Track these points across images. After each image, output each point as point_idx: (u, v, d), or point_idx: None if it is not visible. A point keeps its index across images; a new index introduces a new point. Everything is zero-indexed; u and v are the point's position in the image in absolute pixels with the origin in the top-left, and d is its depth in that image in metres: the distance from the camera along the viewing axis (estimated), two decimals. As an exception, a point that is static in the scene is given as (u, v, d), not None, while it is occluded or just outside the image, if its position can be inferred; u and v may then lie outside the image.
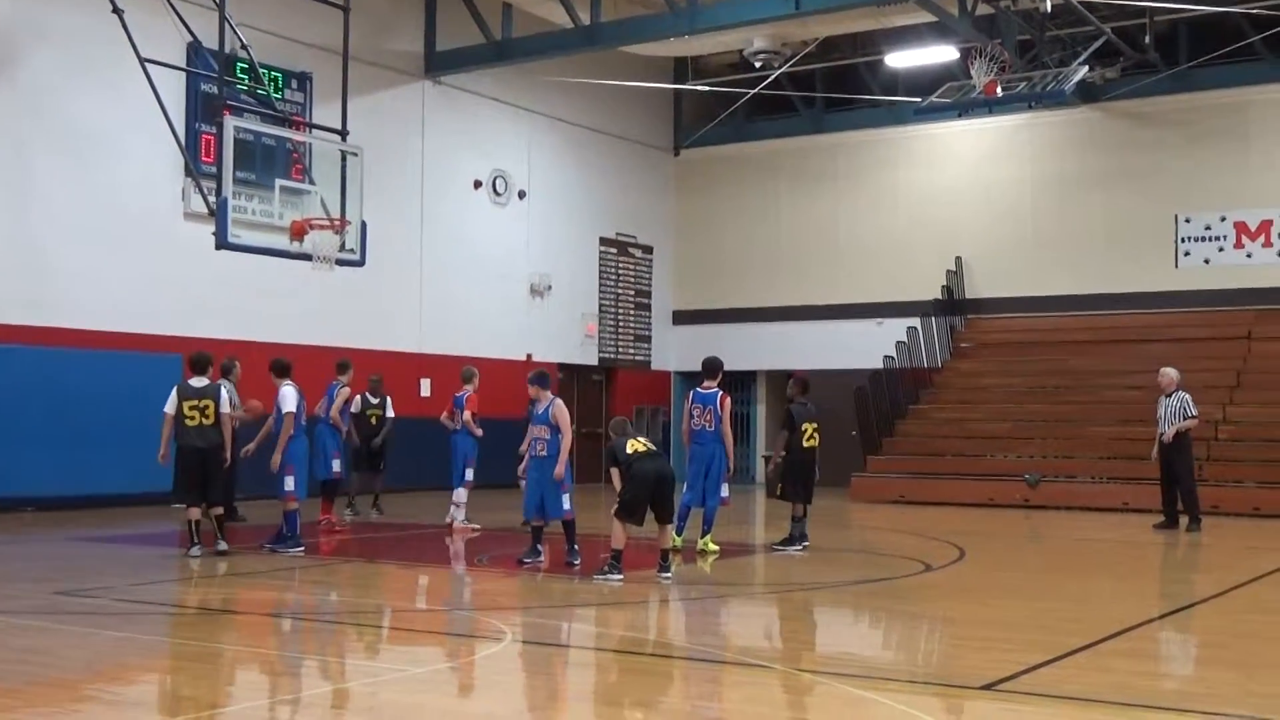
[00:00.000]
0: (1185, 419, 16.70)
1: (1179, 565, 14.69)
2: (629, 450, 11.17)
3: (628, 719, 6.58)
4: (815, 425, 14.02)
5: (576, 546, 12.16)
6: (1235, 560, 14.55)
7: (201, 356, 13.09)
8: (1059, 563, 14.51)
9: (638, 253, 28.66)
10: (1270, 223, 24.06)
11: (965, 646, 8.85)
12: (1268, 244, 24.10)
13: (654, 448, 11.43)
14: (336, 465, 16.00)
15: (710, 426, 13.34)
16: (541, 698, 7.25)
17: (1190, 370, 22.49)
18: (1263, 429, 21.06)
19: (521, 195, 25.64)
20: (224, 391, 13.07)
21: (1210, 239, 24.57)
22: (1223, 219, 24.45)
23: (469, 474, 16.18)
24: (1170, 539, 16.24)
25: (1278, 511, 18.98)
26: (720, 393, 13.42)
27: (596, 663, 8.32)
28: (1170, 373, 17.08)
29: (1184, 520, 16.69)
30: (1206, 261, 24.57)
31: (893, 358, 25.23)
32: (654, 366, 28.99)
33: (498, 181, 25.17)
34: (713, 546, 13.45)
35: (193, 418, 12.64)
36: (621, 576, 11.02)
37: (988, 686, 7.05)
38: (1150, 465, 17.61)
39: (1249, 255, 24.24)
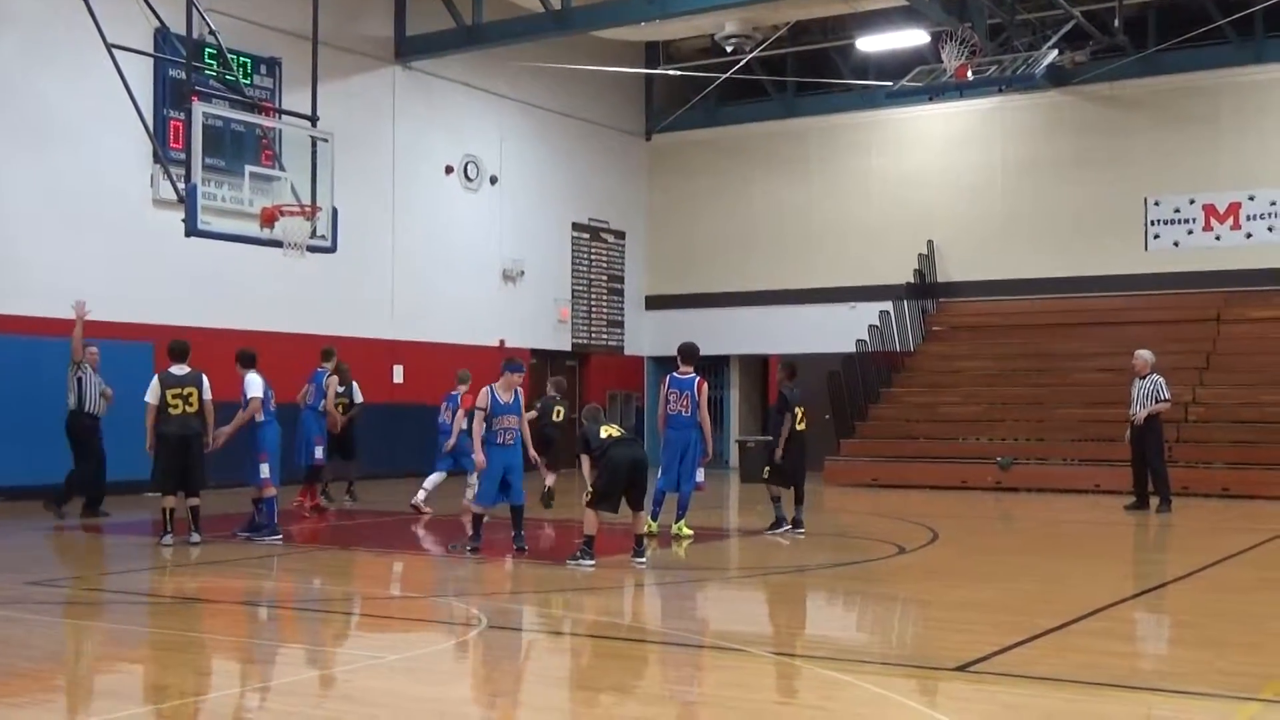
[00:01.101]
0: (1158, 401, 16.82)
1: (1149, 546, 14.80)
2: (602, 435, 11.17)
3: (602, 704, 6.60)
4: (803, 410, 14.18)
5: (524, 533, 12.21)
6: (1204, 541, 14.67)
7: (180, 345, 13.03)
8: (1031, 544, 14.61)
9: (610, 238, 28.64)
10: (1239, 205, 24.23)
11: (938, 628, 8.90)
12: (1236, 226, 24.26)
13: (628, 434, 11.44)
14: (319, 451, 16.14)
15: (686, 412, 13.36)
16: (516, 683, 7.26)
17: (1160, 352, 22.62)
18: (1231, 410, 21.23)
19: (493, 181, 25.57)
20: (205, 379, 12.98)
21: (1179, 222, 24.71)
22: (1191, 202, 24.59)
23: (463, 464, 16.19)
24: (1141, 520, 16.36)
25: (1246, 492, 19.14)
26: (697, 378, 13.45)
27: (571, 648, 8.34)
28: (1144, 355, 17.20)
29: (1155, 501, 16.81)
30: (1176, 244, 24.72)
31: (865, 341, 25.30)
32: (627, 352, 28.98)
33: (469, 167, 25.10)
34: (686, 531, 13.49)
35: (175, 405, 12.60)
36: (594, 562, 11.03)
37: (961, 668, 7.10)
38: (1121, 447, 17.72)
39: (1218, 238, 24.40)
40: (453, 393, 16.76)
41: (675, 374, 13.56)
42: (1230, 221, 24.31)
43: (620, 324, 28.90)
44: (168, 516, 12.70)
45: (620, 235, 28.88)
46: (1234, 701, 6.55)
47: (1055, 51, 22.71)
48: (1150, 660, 7.93)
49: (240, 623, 9.34)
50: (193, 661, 7.65)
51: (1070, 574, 11.55)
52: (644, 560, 11.31)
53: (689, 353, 13.62)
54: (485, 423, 11.88)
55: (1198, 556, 12.54)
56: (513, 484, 12.08)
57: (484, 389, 12.17)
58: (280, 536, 13.15)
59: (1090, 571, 11.85)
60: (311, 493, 16.49)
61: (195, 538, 12.79)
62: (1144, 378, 17.00)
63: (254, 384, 13.26)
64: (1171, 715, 6.38)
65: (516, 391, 12.17)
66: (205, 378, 13.07)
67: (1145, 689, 6.76)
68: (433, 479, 16.50)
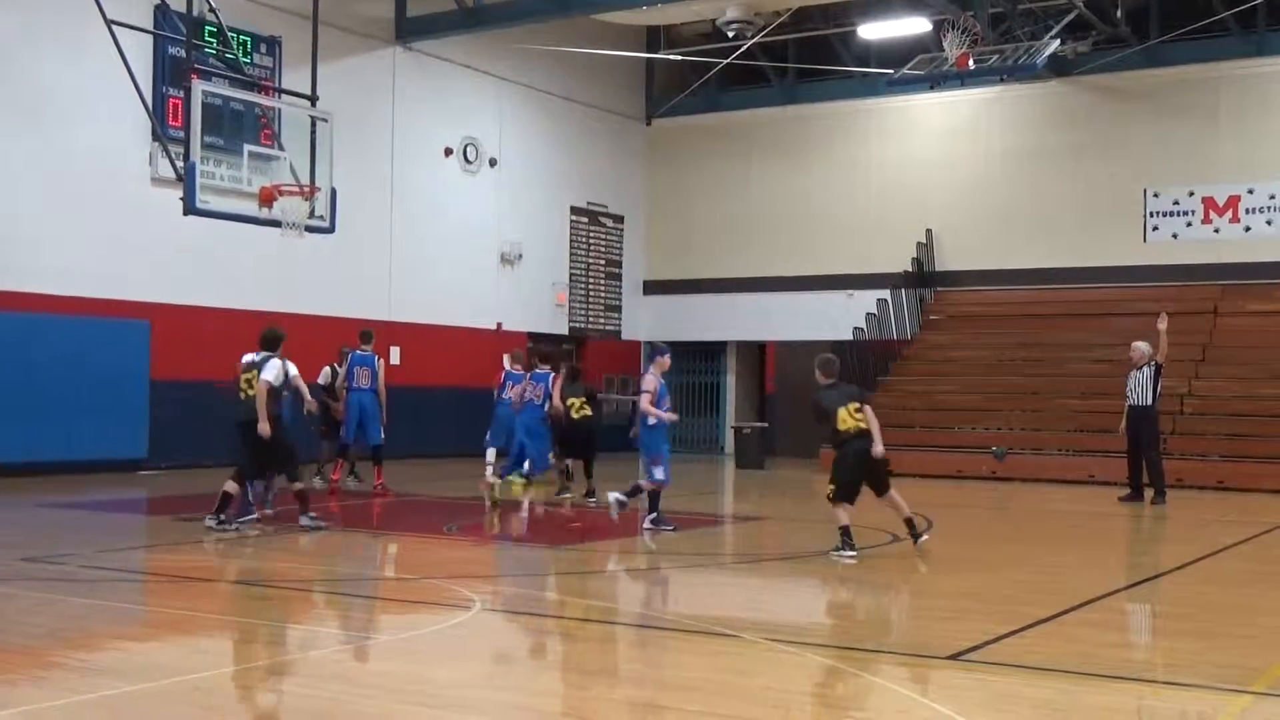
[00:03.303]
0: (1153, 392, 16.83)
1: (1143, 537, 14.83)
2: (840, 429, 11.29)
3: (594, 687, 6.61)
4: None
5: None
6: (1198, 533, 14.69)
7: (270, 333, 12.73)
8: (1025, 534, 14.63)
9: (609, 222, 28.61)
10: (1238, 198, 24.22)
11: (932, 616, 8.92)
12: (1235, 219, 24.26)
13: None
14: (380, 432, 16.68)
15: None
16: (508, 666, 7.27)
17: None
18: (1227, 403, 21.26)
19: (493, 163, 25.54)
20: (276, 363, 12.51)
21: (1178, 214, 24.71)
22: (1191, 194, 24.59)
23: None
24: (1135, 511, 16.39)
25: (1241, 485, 19.16)
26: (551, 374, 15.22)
27: (564, 631, 8.35)
28: (1141, 346, 17.21)
29: (1149, 493, 16.83)
30: (1174, 236, 24.72)
31: (863, 329, 25.31)
32: (624, 336, 28.98)
33: (469, 149, 25.06)
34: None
35: (244, 389, 12.45)
36: (855, 553, 11.05)
37: (954, 656, 7.11)
38: (1116, 438, 17.73)
39: (1216, 230, 24.40)
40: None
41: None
42: (1229, 214, 24.31)
43: (618, 308, 28.89)
44: (223, 498, 12.30)
45: (619, 219, 28.86)
46: (1226, 693, 6.56)
47: (1057, 41, 22.69)
48: (1143, 651, 7.94)
49: (232, 601, 9.35)
50: (187, 640, 7.66)
51: (1064, 564, 11.57)
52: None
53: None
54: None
55: (1192, 548, 12.57)
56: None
57: (648, 376, 12.90)
58: (256, 517, 12.90)
59: (1084, 562, 11.87)
60: (378, 473, 16.71)
61: (252, 515, 12.73)
62: (1140, 369, 17.01)
63: (270, 369, 12.92)
64: (1163, 706, 6.40)
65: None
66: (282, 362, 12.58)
67: (1138, 680, 6.78)
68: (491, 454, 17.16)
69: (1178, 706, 6.38)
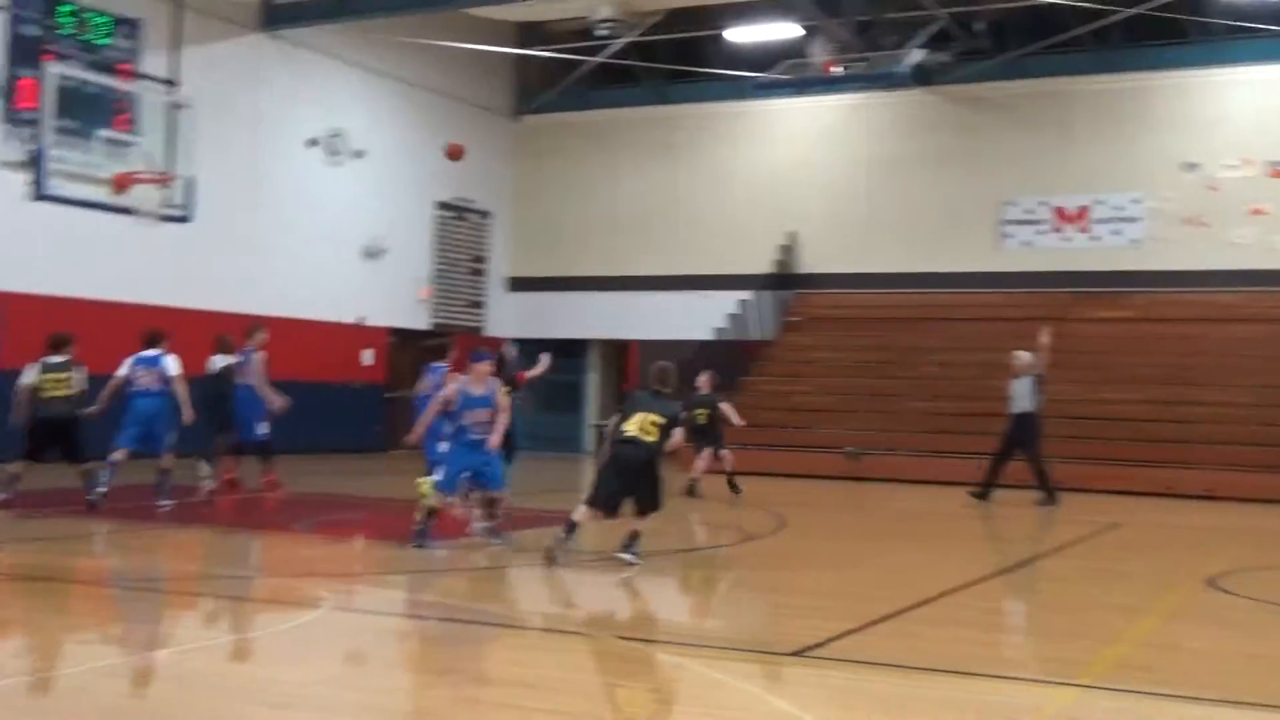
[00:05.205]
0: (1035, 399, 17.36)
1: (986, 536, 15.26)
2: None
3: (440, 685, 6.62)
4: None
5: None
6: (1037, 532, 15.19)
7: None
8: (875, 533, 14.95)
9: (475, 218, 28.48)
10: (1087, 209, 25.02)
11: (780, 614, 9.09)
12: (1084, 229, 25.06)
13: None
14: (263, 428, 15.79)
15: None
16: (355, 665, 7.24)
17: (1005, 350, 23.23)
18: (1074, 407, 21.91)
19: (358, 155, 25.25)
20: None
21: (1031, 222, 25.46)
22: (1043, 203, 25.34)
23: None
24: (983, 511, 16.84)
25: (1084, 486, 19.75)
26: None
27: (413, 630, 8.33)
28: (1023, 356, 17.74)
29: (1037, 495, 17.30)
30: (1027, 244, 25.45)
31: (725, 329, 25.59)
32: (488, 333, 28.86)
33: (334, 140, 24.74)
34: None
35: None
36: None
37: (798, 653, 7.26)
38: (968, 439, 18.23)
39: (1067, 239, 25.18)
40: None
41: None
42: (1079, 224, 25.11)
43: (482, 304, 28.79)
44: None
45: (485, 215, 28.75)
46: (1054, 687, 6.83)
47: (921, 51, 23.22)
48: (979, 646, 8.19)
49: (71, 602, 9.14)
50: (15, 643, 7.48)
51: (912, 562, 11.86)
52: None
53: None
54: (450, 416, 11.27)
55: (1030, 547, 13.00)
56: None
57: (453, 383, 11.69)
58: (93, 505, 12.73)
59: (931, 560, 12.17)
60: (267, 469, 16.07)
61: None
62: (1022, 378, 17.54)
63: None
64: (995, 700, 6.60)
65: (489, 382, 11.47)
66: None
67: (973, 674, 6.99)
68: None
69: (1009, 700, 6.60)
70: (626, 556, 10.38)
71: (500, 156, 29.11)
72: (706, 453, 17.25)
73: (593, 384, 29.36)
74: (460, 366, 12.69)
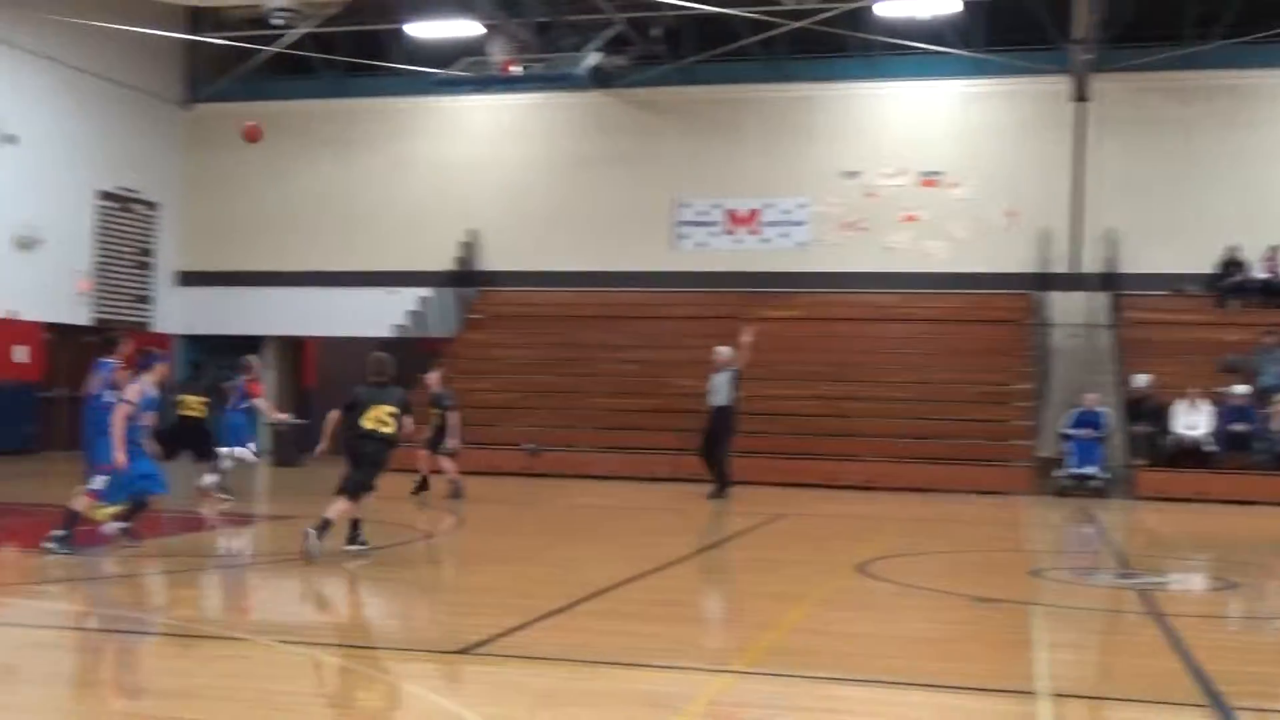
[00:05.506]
0: (731, 394, 17.88)
1: (659, 530, 15.63)
2: None
3: (89, 699, 6.32)
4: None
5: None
6: (708, 524, 15.72)
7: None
8: (551, 529, 15.11)
9: (141, 209, 27.20)
10: (757, 212, 26.04)
11: (449, 612, 9.09)
12: (754, 231, 26.08)
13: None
14: None
15: None
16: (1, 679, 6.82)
17: (680, 348, 24.06)
18: (744, 403, 22.72)
19: (10, 141, 23.68)
20: None
21: (705, 224, 26.30)
22: (716, 206, 26.22)
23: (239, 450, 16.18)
24: (660, 504, 17.31)
25: (752, 479, 20.49)
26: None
27: (64, 641, 7.91)
28: (723, 351, 18.26)
29: (714, 488, 17.85)
30: (701, 245, 26.27)
31: (406, 326, 25.35)
32: (157, 329, 27.63)
33: (-17, 123, 23.17)
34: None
35: None
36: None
37: (464, 650, 7.27)
38: (646, 435, 18.68)
39: (738, 241, 26.15)
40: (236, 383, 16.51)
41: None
42: (749, 226, 26.11)
43: (149, 299, 27.53)
44: None
45: (152, 206, 27.49)
46: (710, 674, 7.08)
47: (599, 54, 23.62)
48: (642, 638, 8.40)
49: None
50: None
51: (583, 557, 12.06)
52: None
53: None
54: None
55: (700, 538, 13.43)
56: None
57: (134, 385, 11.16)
58: None
59: (602, 554, 12.42)
60: None
61: None
62: (720, 372, 18.04)
63: None
64: (654, 689, 6.79)
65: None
66: None
67: (635, 665, 7.18)
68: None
69: (666, 688, 6.79)
70: (354, 548, 10.89)
71: (170, 146, 27.92)
72: (425, 453, 17.14)
73: (269, 382, 28.47)
74: (133, 363, 12.16)
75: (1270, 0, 22.79)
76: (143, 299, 27.33)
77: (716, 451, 18.08)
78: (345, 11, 25.81)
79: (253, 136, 15.36)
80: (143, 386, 11.05)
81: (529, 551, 12.56)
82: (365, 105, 27.70)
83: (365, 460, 10.98)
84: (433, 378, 17.76)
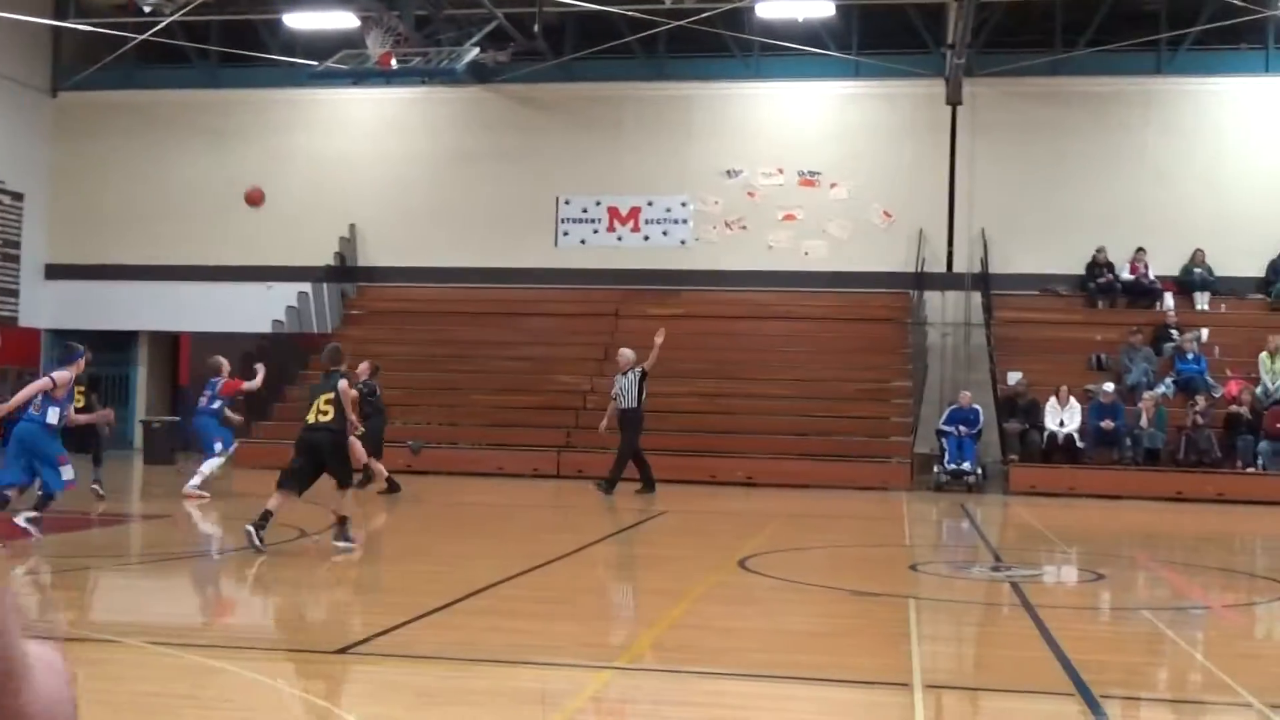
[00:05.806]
0: (638, 396, 17.84)
1: (543, 526, 15.61)
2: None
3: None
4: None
5: None
6: (593, 521, 15.68)
7: None
8: (433, 526, 15.02)
9: (6, 199, 26.37)
10: (638, 209, 26.10)
11: (329, 611, 8.96)
12: (636, 229, 26.14)
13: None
14: None
15: None
16: None
17: (562, 344, 24.07)
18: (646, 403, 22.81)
19: None
20: None
21: (586, 221, 26.29)
22: (598, 203, 26.22)
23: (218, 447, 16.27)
24: (541, 500, 17.27)
25: (634, 476, 20.57)
26: None
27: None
28: (627, 353, 18.19)
29: (602, 482, 17.80)
30: (583, 242, 26.25)
31: (282, 322, 24.93)
32: (22, 323, 26.81)
33: None
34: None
35: None
36: None
37: (342, 650, 7.17)
38: (530, 432, 18.55)
39: (619, 238, 26.17)
40: (213, 380, 16.55)
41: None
42: (631, 224, 26.15)
43: (15, 293, 26.70)
44: None
45: (17, 197, 26.66)
46: (593, 670, 7.06)
47: (478, 49, 23.43)
48: (523, 635, 8.35)
49: None
50: None
51: (465, 554, 11.97)
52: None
53: None
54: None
55: (582, 535, 13.40)
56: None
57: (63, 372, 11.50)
58: None
59: (483, 552, 12.33)
60: None
61: None
62: (626, 373, 17.99)
63: None
64: (536, 686, 6.76)
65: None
66: None
67: (516, 662, 7.13)
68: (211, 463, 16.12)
69: (548, 685, 6.77)
70: (342, 544, 10.95)
71: (35, 135, 27.11)
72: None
73: (141, 378, 27.83)
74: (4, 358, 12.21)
75: (1135, 10, 23.49)
76: (7, 292, 26.50)
77: (622, 449, 18.04)
78: (219, 1, 25.27)
79: (254, 200, 15.75)
80: (69, 375, 11.46)
81: (411, 549, 12.45)
82: (240, 96, 27.18)
83: (305, 449, 11.13)
84: (363, 368, 17.63)
